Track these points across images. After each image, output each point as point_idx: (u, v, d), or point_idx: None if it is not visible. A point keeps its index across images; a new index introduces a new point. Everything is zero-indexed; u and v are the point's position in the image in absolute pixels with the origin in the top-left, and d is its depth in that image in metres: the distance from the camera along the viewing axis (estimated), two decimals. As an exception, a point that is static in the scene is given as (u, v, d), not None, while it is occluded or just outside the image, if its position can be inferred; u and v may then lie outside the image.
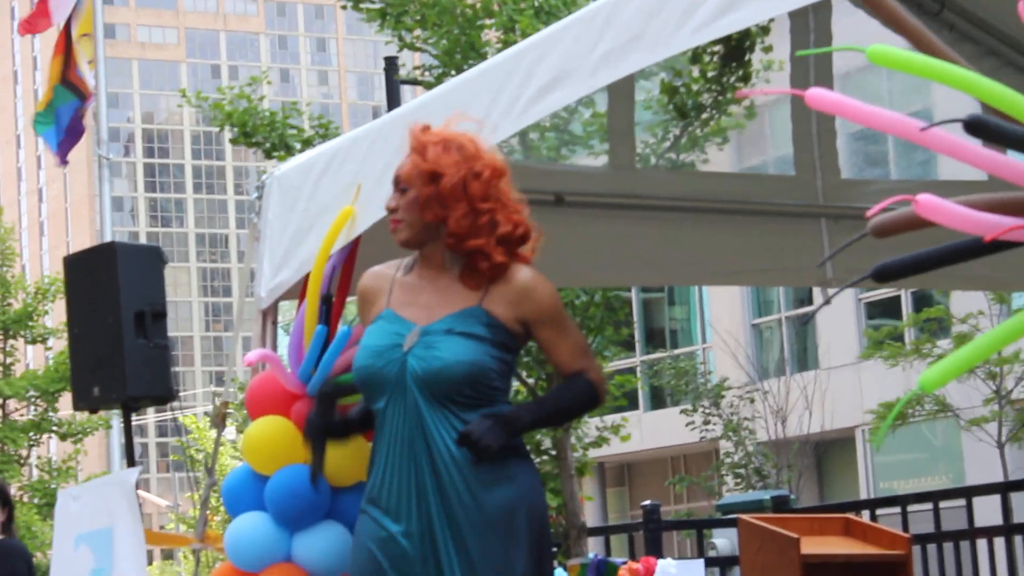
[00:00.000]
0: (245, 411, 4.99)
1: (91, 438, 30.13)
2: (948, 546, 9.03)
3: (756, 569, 5.87)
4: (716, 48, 15.01)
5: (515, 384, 14.83)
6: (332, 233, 4.75)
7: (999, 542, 8.96)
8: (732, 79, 15.15)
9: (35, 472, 30.14)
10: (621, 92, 6.61)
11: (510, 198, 4.07)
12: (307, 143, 16.10)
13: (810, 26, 6.65)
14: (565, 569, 7.55)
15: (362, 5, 16.39)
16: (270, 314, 5.22)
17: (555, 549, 13.02)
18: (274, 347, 5.24)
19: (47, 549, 25.43)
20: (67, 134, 12.59)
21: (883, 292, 26.73)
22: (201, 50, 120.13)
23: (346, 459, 4.45)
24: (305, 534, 4.54)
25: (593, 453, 18.27)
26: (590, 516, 29.65)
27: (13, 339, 29.06)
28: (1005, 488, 9.45)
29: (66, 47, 12.63)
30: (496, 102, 4.42)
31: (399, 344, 4.04)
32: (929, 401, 23.26)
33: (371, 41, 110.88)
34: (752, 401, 27.01)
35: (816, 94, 2.56)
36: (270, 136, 16.51)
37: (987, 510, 9.52)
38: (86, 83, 12.51)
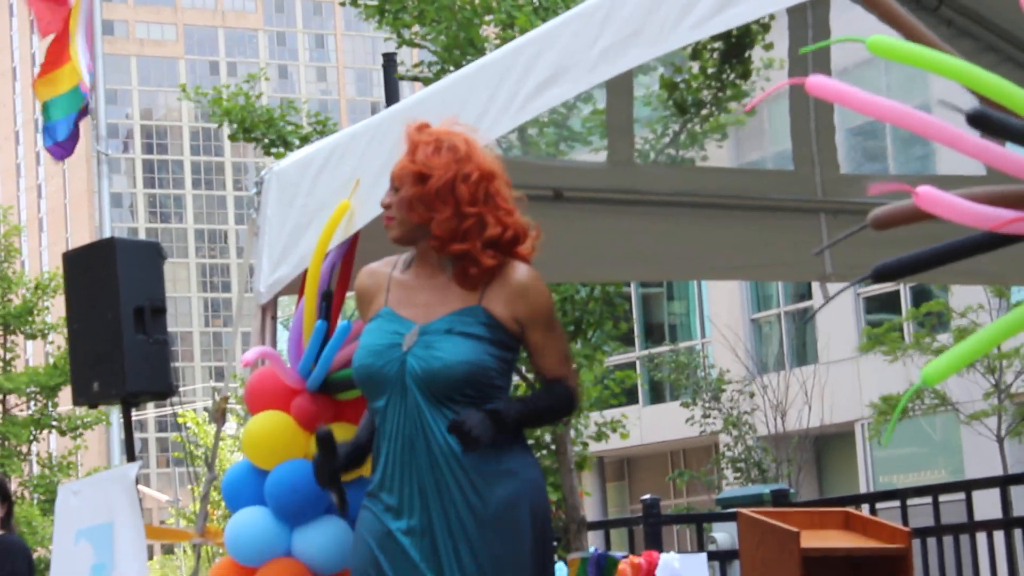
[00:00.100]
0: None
1: (91, 433, 30.15)
2: (948, 540, 9.04)
3: (756, 563, 5.87)
4: (716, 44, 15.00)
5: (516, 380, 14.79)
6: (330, 228, 4.75)
7: (998, 536, 8.98)
8: (732, 76, 15.14)
9: (35, 467, 30.13)
10: (620, 88, 6.61)
11: (503, 199, 4.05)
12: (305, 140, 16.09)
13: (808, 22, 6.65)
14: (565, 563, 7.55)
15: (360, 1, 16.38)
16: (269, 309, 5.22)
17: (555, 543, 13.02)
18: (273, 343, 5.25)
19: (48, 544, 25.45)
20: (70, 136, 12.70)
21: (882, 287, 26.74)
22: (200, 46, 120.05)
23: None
24: (305, 529, 4.55)
25: (593, 447, 18.28)
26: (590, 510, 29.67)
27: (13, 335, 29.07)
28: (1004, 482, 9.47)
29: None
30: (495, 98, 4.42)
31: (398, 343, 4.04)
32: (929, 395, 23.28)
33: (369, 37, 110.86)
34: (752, 395, 27.04)
35: (816, 82, 2.56)
36: (268, 132, 16.51)
37: (986, 504, 9.54)
38: (84, 79, 12.58)
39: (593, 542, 14.48)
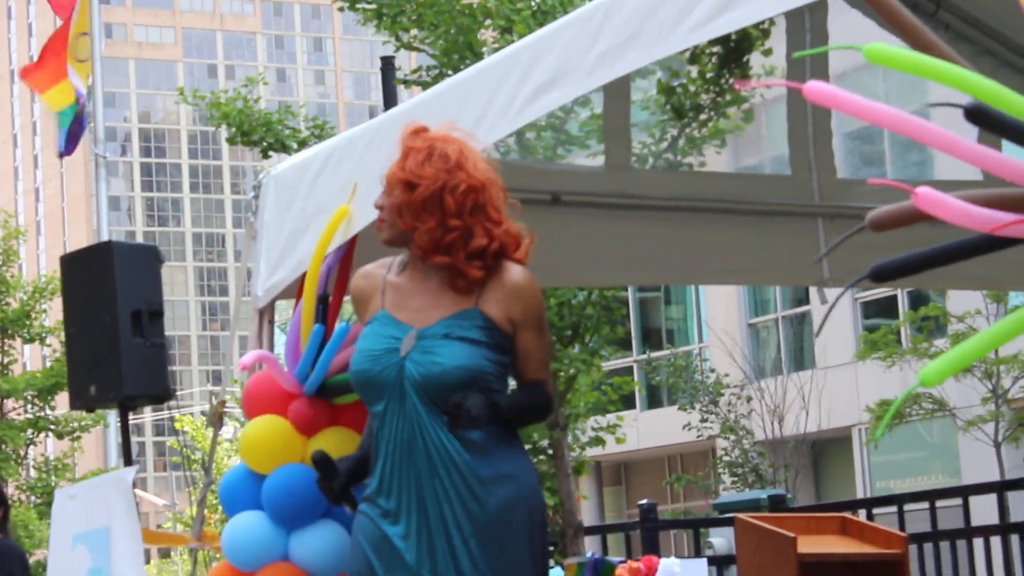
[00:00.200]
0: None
1: (88, 436, 30.10)
2: (944, 545, 9.04)
3: (753, 568, 5.87)
4: (715, 49, 15.01)
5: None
6: (328, 232, 4.75)
7: (995, 541, 8.97)
8: (731, 80, 15.15)
9: (32, 471, 30.09)
10: (617, 92, 6.62)
11: (495, 208, 4.04)
12: (303, 144, 16.09)
13: (806, 26, 6.66)
14: (562, 568, 7.55)
15: (358, 6, 16.39)
16: (267, 313, 5.22)
17: (552, 548, 13.03)
18: (271, 346, 5.24)
19: (45, 548, 25.42)
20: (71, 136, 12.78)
21: (880, 291, 26.75)
22: (198, 50, 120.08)
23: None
24: (302, 533, 4.54)
25: (590, 452, 18.29)
26: (587, 515, 29.66)
27: (11, 339, 29.04)
28: (1001, 487, 9.48)
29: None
30: (493, 102, 4.42)
31: (396, 348, 4.04)
32: (926, 400, 23.28)
33: (368, 41, 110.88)
34: (749, 399, 27.04)
35: (814, 87, 2.56)
36: (267, 136, 16.52)
37: (983, 509, 9.53)
38: (73, 84, 12.63)
39: (590, 547, 14.48)
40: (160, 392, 6.78)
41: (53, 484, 27.39)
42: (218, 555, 4.88)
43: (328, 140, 5.26)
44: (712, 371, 28.66)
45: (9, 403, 28.76)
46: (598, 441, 17.95)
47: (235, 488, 4.68)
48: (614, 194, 6.71)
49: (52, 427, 28.56)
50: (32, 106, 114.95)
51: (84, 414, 26.64)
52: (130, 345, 6.59)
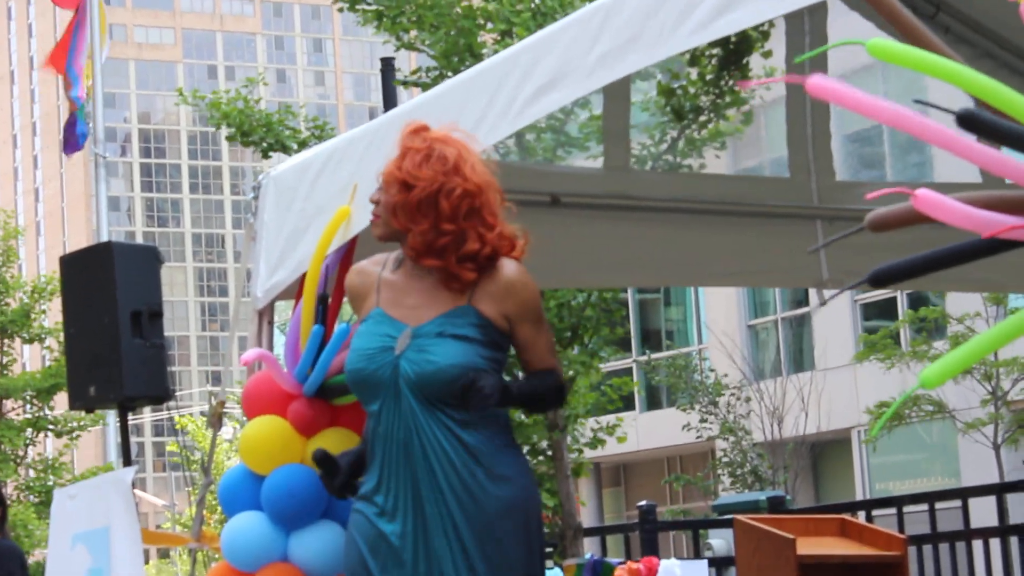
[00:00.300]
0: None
1: (87, 436, 30.09)
2: (944, 547, 9.04)
3: (752, 570, 5.87)
4: (715, 51, 15.01)
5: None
6: (328, 233, 4.75)
7: (995, 543, 8.98)
8: (730, 82, 15.15)
9: (29, 471, 30.07)
10: (617, 93, 6.62)
11: (491, 212, 4.03)
12: (303, 144, 16.08)
13: (805, 28, 6.66)
14: (561, 569, 7.56)
15: (358, 6, 16.38)
16: (266, 314, 5.22)
17: (551, 549, 13.02)
18: (270, 347, 5.24)
19: (44, 548, 25.41)
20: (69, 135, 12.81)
21: (879, 294, 26.75)
22: (198, 50, 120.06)
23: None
24: (301, 533, 4.54)
25: (589, 453, 18.26)
26: (586, 516, 29.66)
27: (10, 339, 29.04)
28: (1000, 489, 9.47)
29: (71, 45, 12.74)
30: (493, 103, 4.42)
31: (390, 347, 4.04)
32: (925, 402, 23.29)
33: (368, 42, 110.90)
34: (748, 401, 27.04)
35: (817, 82, 2.56)
36: (267, 136, 16.51)
37: (983, 511, 9.53)
38: (71, 83, 12.66)
39: (589, 548, 14.49)
40: (159, 393, 6.78)
41: (51, 483, 27.39)
42: (217, 556, 4.88)
43: (328, 141, 5.26)
44: (712, 372, 28.66)
45: (8, 403, 28.76)
46: (598, 442, 17.93)
47: (234, 489, 4.68)
48: (614, 196, 6.71)
49: (51, 427, 28.57)
50: (32, 106, 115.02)
51: (83, 414, 26.64)
52: (130, 346, 6.59)
